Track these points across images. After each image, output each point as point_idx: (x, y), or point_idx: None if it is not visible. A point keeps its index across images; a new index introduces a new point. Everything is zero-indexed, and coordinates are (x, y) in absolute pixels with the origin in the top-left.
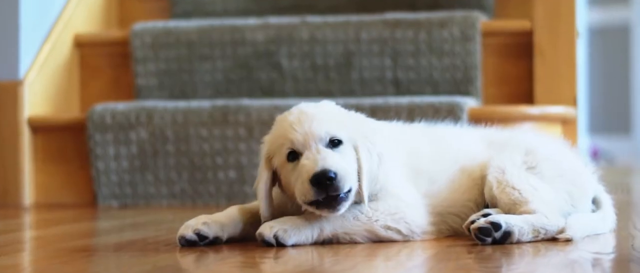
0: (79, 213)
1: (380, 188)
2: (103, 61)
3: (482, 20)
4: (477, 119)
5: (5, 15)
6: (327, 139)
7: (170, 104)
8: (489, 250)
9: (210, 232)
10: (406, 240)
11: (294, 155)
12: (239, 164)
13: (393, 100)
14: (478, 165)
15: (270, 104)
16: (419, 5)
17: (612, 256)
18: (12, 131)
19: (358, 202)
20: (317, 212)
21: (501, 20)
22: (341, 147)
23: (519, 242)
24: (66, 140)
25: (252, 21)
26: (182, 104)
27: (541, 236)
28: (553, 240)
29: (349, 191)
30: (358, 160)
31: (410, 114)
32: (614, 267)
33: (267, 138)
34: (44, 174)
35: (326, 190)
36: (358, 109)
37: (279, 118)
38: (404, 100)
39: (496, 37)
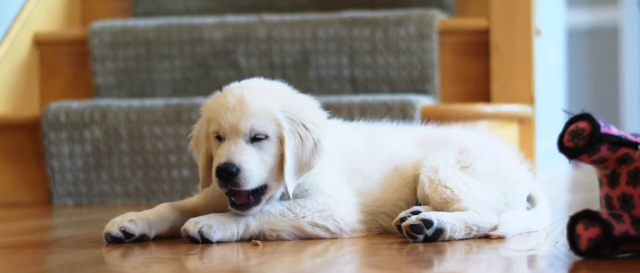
0: (28, 212)
1: (311, 184)
2: (63, 60)
3: (439, 18)
4: (430, 117)
5: None
6: (250, 134)
7: (124, 103)
8: (420, 247)
9: (136, 229)
10: (334, 237)
11: (220, 136)
12: (193, 162)
13: (346, 98)
14: (411, 164)
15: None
16: (379, 3)
17: (540, 253)
18: None
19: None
20: (231, 209)
21: (459, 18)
22: (264, 142)
23: (451, 240)
24: (22, 138)
25: (210, 20)
26: (136, 102)
27: (474, 233)
28: (486, 237)
29: (261, 194)
30: (283, 152)
31: (363, 112)
32: (542, 264)
33: (208, 107)
34: (0, 173)
35: (227, 183)
36: None
37: (225, 90)
38: (357, 98)
39: (453, 35)
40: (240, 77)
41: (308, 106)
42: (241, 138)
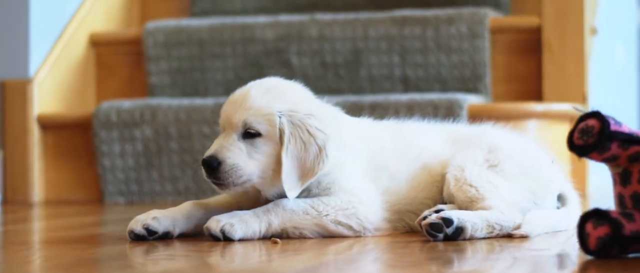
0: (76, 210)
1: (333, 182)
2: (118, 60)
3: (491, 16)
4: (478, 116)
5: (15, 16)
6: (242, 129)
7: (174, 102)
8: (440, 246)
9: (159, 226)
10: (357, 236)
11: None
12: None
13: (393, 97)
14: (439, 163)
15: None
16: (433, 2)
17: (554, 253)
18: (21, 128)
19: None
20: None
21: (512, 16)
22: (256, 140)
23: (472, 238)
24: (75, 137)
25: (262, 19)
26: (185, 101)
27: (496, 232)
28: (509, 236)
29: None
30: (281, 155)
31: (410, 111)
32: (550, 263)
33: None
34: (54, 171)
35: (211, 176)
36: (358, 106)
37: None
38: (404, 97)
39: (505, 33)
40: (292, 76)
41: (316, 112)
42: (234, 132)
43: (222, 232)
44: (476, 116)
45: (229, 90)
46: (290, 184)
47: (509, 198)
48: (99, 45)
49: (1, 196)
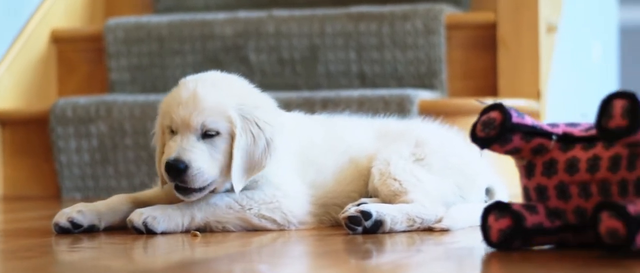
0: (31, 205)
1: (261, 176)
2: (80, 56)
3: (447, 12)
4: (429, 112)
5: None
6: (201, 130)
7: (130, 98)
8: (360, 239)
9: (84, 220)
10: (282, 229)
11: (172, 129)
12: None
13: (344, 93)
14: (367, 157)
15: None
16: None
17: (474, 246)
18: None
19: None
20: (174, 192)
21: (467, 12)
22: (216, 139)
23: (392, 231)
24: (33, 133)
25: (221, 15)
26: (141, 97)
27: (417, 225)
28: (430, 230)
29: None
30: (232, 150)
31: (361, 106)
32: (457, 255)
33: (164, 102)
34: (12, 167)
35: (175, 179)
36: (310, 102)
37: (180, 83)
38: (355, 93)
39: (461, 30)
40: (251, 72)
41: (262, 104)
42: (192, 134)
43: (145, 224)
44: (428, 112)
45: None
46: (238, 178)
47: (433, 192)
48: (60, 41)
49: None
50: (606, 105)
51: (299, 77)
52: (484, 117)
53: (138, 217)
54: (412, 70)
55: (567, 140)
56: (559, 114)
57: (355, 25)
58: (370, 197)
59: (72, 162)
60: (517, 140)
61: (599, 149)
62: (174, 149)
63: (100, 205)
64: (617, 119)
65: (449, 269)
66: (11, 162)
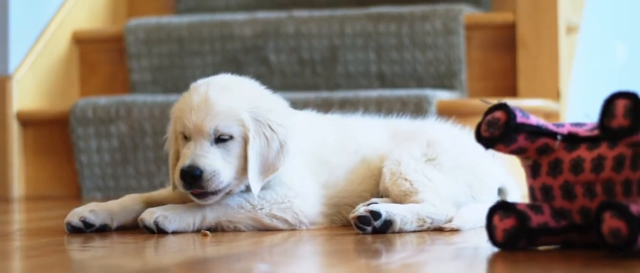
0: (52, 205)
1: (274, 176)
2: (101, 57)
3: (466, 13)
4: (447, 112)
5: None
6: (215, 135)
7: (150, 98)
8: (370, 239)
9: (96, 219)
10: (293, 229)
11: (185, 134)
12: None
13: (363, 93)
14: (378, 157)
15: None
16: None
17: (481, 246)
18: (1, 125)
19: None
20: (190, 196)
21: (486, 13)
22: (229, 143)
23: (402, 231)
24: (54, 134)
25: (240, 16)
26: (160, 98)
27: (427, 225)
28: (440, 230)
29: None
30: (247, 153)
31: (379, 107)
32: (465, 255)
33: (176, 107)
34: (34, 167)
35: (191, 186)
36: (328, 102)
37: (191, 88)
38: (373, 93)
39: (481, 30)
40: (270, 73)
41: (275, 106)
42: (206, 139)
43: (156, 223)
44: (446, 112)
45: None
46: (255, 180)
47: (444, 192)
48: (82, 42)
49: None
50: (608, 105)
51: (319, 77)
52: (489, 117)
53: (149, 216)
54: (432, 70)
55: (572, 140)
56: (580, 114)
57: (375, 26)
58: (382, 197)
59: (93, 162)
60: (521, 140)
61: (603, 149)
62: (188, 156)
63: (113, 204)
64: (620, 119)
65: (453, 269)
66: (33, 162)
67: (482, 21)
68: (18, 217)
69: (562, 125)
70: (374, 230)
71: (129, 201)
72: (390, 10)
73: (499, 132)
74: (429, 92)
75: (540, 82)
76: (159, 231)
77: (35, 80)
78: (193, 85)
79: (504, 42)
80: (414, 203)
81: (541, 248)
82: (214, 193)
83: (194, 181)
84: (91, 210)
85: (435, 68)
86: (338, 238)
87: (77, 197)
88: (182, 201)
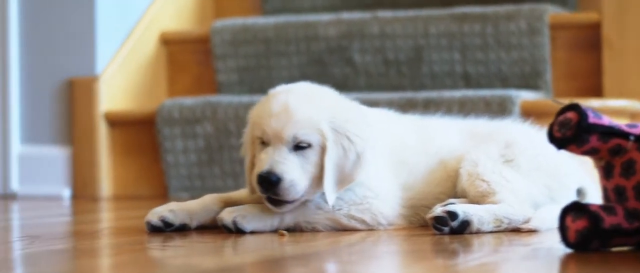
0: (138, 204)
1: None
2: (188, 58)
3: (551, 12)
4: (531, 113)
5: (82, 16)
6: (294, 142)
7: (235, 99)
8: (447, 239)
9: (175, 219)
10: (370, 229)
11: (263, 140)
12: None
13: (447, 94)
14: (455, 159)
15: None
16: None
17: (555, 247)
18: (89, 125)
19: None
20: (265, 202)
21: (571, 12)
22: (307, 151)
23: (479, 232)
24: (141, 134)
25: (325, 17)
26: (245, 98)
27: (504, 226)
28: (517, 230)
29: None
30: (323, 163)
31: (462, 107)
32: (538, 255)
33: (253, 112)
34: (122, 167)
35: (268, 191)
36: (412, 102)
37: (270, 95)
38: (457, 93)
39: (565, 30)
40: (355, 73)
41: (354, 117)
42: (284, 146)
43: (234, 223)
44: (529, 112)
45: None
46: (330, 190)
47: (521, 193)
48: (169, 43)
49: (71, 191)
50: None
51: (404, 77)
52: (561, 118)
53: (228, 215)
54: (517, 70)
55: None
56: None
57: (459, 26)
58: (459, 198)
59: (179, 162)
60: (594, 141)
61: None
62: (265, 162)
63: (193, 204)
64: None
65: (525, 269)
66: (121, 162)
67: (567, 21)
68: (104, 216)
69: (635, 126)
70: (451, 230)
71: (208, 201)
72: (474, 10)
73: (571, 133)
74: (513, 93)
75: (625, 82)
76: (237, 230)
77: (122, 81)
78: (272, 92)
79: (589, 41)
80: (492, 204)
81: (614, 249)
82: (291, 202)
83: (271, 187)
84: (170, 210)
85: (520, 68)
86: (415, 239)
87: (164, 197)
88: (260, 202)
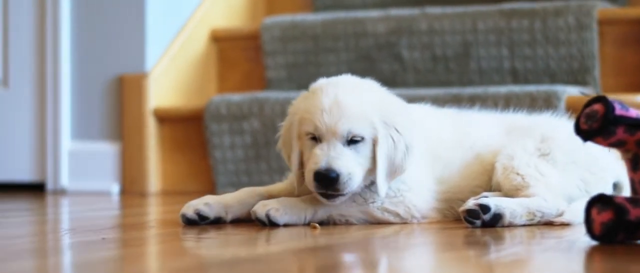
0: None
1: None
2: (238, 54)
3: (599, 8)
4: (577, 108)
5: (132, 15)
6: (348, 137)
7: (282, 95)
8: (479, 232)
9: (210, 212)
10: (404, 222)
11: (315, 136)
12: None
13: (492, 89)
14: (492, 153)
15: None
16: None
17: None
18: (138, 121)
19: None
20: (317, 197)
21: (619, 7)
22: (360, 145)
23: (511, 225)
24: (190, 130)
25: (373, 13)
26: (292, 94)
27: (537, 219)
28: (550, 224)
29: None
30: (376, 155)
31: (507, 103)
32: (572, 249)
33: (299, 107)
34: (170, 163)
35: (326, 187)
36: (457, 98)
37: (316, 89)
38: (502, 89)
39: (614, 25)
40: (404, 69)
41: (400, 109)
42: (338, 141)
43: (268, 216)
44: (576, 108)
45: None
46: (382, 182)
47: (556, 187)
48: (219, 40)
49: (120, 186)
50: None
51: (452, 73)
52: (588, 110)
53: (262, 208)
54: (565, 66)
55: None
56: None
57: (507, 22)
58: (494, 192)
59: (227, 158)
60: (620, 133)
61: None
62: (321, 158)
63: (228, 197)
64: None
65: (546, 261)
66: (170, 158)
67: (615, 16)
68: (146, 210)
69: None
70: (483, 223)
71: (244, 194)
72: (522, 6)
73: (598, 125)
74: (559, 88)
75: None
76: (270, 223)
77: (172, 77)
78: (316, 86)
79: (638, 37)
80: (525, 197)
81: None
82: (344, 194)
83: (330, 183)
84: (206, 203)
85: (568, 64)
86: (448, 231)
87: (212, 193)
88: (298, 195)
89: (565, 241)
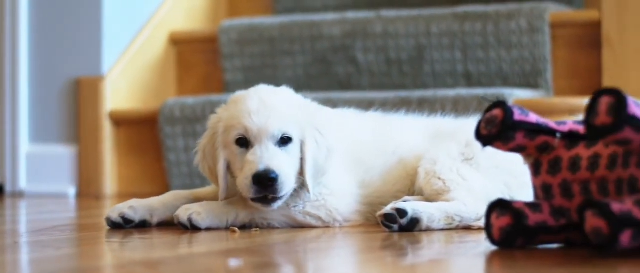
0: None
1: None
2: (197, 57)
3: (551, 11)
4: None
5: (88, 18)
6: (279, 136)
7: None
8: (396, 237)
9: (135, 215)
10: (327, 226)
11: (243, 141)
12: None
13: (441, 92)
14: (415, 157)
15: (324, 97)
16: None
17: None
18: (94, 124)
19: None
20: (252, 204)
21: (571, 11)
22: (290, 146)
23: (429, 230)
24: (145, 133)
25: (329, 16)
26: None
27: (456, 224)
28: (470, 228)
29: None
30: (303, 156)
31: (455, 106)
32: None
33: (222, 115)
34: (126, 166)
35: (266, 190)
36: (405, 101)
37: (238, 97)
38: (451, 92)
39: (566, 28)
40: (359, 72)
41: (319, 113)
42: (270, 141)
43: (190, 220)
44: None
45: (299, 86)
46: (312, 183)
47: (478, 192)
48: (178, 43)
49: (76, 189)
50: (593, 103)
51: (406, 77)
52: (487, 115)
53: (184, 212)
54: (517, 69)
55: (572, 137)
56: None
57: (461, 25)
58: (417, 196)
59: (181, 160)
60: (520, 138)
61: (600, 147)
62: (257, 161)
63: (154, 201)
64: (602, 116)
65: (445, 267)
66: (126, 160)
67: (567, 19)
68: (84, 213)
69: (564, 123)
70: (401, 228)
71: (170, 198)
72: (476, 9)
73: (497, 130)
74: (507, 91)
75: (626, 81)
76: (192, 227)
77: (129, 80)
78: (236, 95)
79: (590, 40)
80: (445, 202)
81: (541, 247)
82: (281, 198)
83: (271, 185)
84: (130, 207)
85: (521, 67)
86: (368, 236)
87: None
88: (216, 199)
89: (455, 246)
